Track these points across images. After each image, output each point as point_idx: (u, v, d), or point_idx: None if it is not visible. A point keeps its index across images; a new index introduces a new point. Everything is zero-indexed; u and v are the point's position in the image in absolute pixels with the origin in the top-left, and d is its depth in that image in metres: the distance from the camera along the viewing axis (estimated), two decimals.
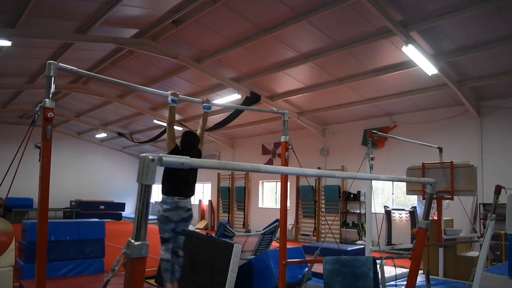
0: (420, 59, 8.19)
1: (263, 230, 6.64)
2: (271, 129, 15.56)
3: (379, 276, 3.87)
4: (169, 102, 4.37)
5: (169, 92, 4.36)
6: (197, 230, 10.19)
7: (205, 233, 5.89)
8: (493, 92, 9.86)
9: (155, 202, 20.59)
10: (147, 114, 15.84)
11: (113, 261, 1.55)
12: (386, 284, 4.33)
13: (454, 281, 6.78)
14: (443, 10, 7.18)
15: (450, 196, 6.87)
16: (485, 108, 10.20)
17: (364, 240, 10.54)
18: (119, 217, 20.74)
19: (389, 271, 6.00)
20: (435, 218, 7.40)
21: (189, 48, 10.21)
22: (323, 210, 13.56)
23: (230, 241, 5.52)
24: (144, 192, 1.47)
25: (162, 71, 11.88)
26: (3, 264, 4.60)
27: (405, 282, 3.38)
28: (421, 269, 5.87)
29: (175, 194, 4.28)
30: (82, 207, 19.45)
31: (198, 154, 4.61)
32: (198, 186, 20.37)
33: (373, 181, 7.18)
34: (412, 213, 10.67)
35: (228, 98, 12.10)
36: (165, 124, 16.78)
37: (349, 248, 8.36)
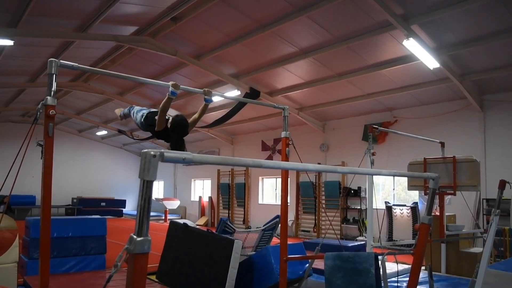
0: (421, 53, 8.12)
1: (263, 226, 6.64)
2: (270, 125, 15.54)
3: (381, 272, 3.87)
4: (169, 93, 4.22)
5: (170, 83, 4.26)
6: (197, 227, 10.19)
7: (205, 230, 5.89)
8: (496, 86, 9.76)
9: (156, 199, 20.61)
10: None
11: (114, 257, 1.55)
12: (388, 280, 4.33)
13: (457, 277, 6.76)
14: (444, 2, 7.10)
15: (452, 192, 6.83)
16: (488, 102, 10.09)
17: (365, 236, 10.55)
18: (120, 214, 20.81)
19: (390, 267, 6.00)
20: (437, 213, 7.38)
21: (188, 45, 10.18)
22: (324, 206, 13.56)
23: (230, 237, 5.52)
24: (146, 188, 1.46)
25: (162, 68, 11.87)
26: (8, 260, 4.64)
27: (406, 278, 3.37)
28: (423, 265, 5.87)
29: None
30: (84, 204, 19.56)
31: (182, 137, 4.66)
32: (198, 183, 20.42)
33: (374, 176, 7.16)
34: (414, 208, 10.65)
35: (228, 94, 12.03)
36: None
37: (350, 244, 8.35)
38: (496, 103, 9.97)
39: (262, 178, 16.74)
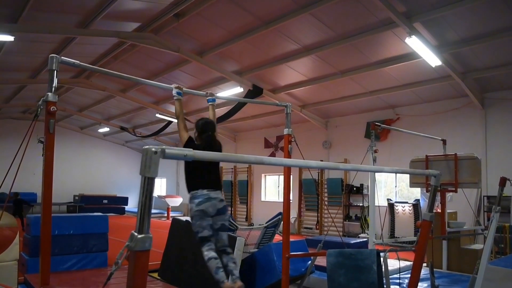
0: (423, 51, 8.12)
1: (266, 223, 6.64)
2: (273, 123, 15.53)
3: (383, 269, 3.86)
4: (174, 95, 4.27)
5: (173, 86, 4.30)
6: None
7: None
8: (498, 84, 9.77)
9: (158, 196, 20.59)
10: (150, 108, 15.84)
11: (116, 255, 1.54)
12: (390, 276, 4.32)
13: (458, 273, 6.76)
14: (447, 0, 7.10)
15: (454, 189, 6.83)
16: (489, 100, 10.12)
17: (367, 233, 10.54)
18: (122, 211, 20.84)
19: (393, 264, 5.99)
20: (439, 210, 7.38)
21: (191, 42, 10.17)
22: (326, 203, 13.56)
23: (233, 234, 5.52)
24: (147, 185, 1.46)
25: (164, 64, 11.85)
26: (8, 258, 4.61)
27: (408, 275, 3.37)
28: (424, 262, 5.87)
29: (203, 187, 3.95)
30: (86, 202, 19.58)
31: (217, 143, 4.31)
32: None
33: (376, 174, 7.15)
34: (416, 205, 10.64)
35: (231, 91, 12.07)
36: (167, 118, 16.66)
37: (352, 241, 8.35)
38: (497, 101, 9.98)
39: (265, 176, 16.74)
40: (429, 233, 3.14)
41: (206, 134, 4.19)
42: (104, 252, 6.12)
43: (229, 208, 17.43)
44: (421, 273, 3.85)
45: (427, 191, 7.93)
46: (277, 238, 7.05)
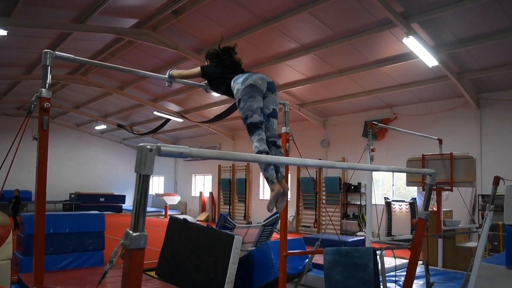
0: (420, 51, 8.15)
1: (264, 221, 6.65)
2: None
3: (379, 267, 3.87)
4: (168, 74, 3.94)
5: (168, 73, 3.99)
6: (197, 222, 10.20)
7: (205, 225, 5.88)
8: (493, 84, 9.86)
9: (156, 194, 20.54)
10: (147, 106, 15.77)
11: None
12: (386, 274, 4.33)
13: (453, 271, 6.83)
14: (444, 1, 7.14)
15: (449, 188, 6.92)
16: (484, 100, 10.22)
17: (364, 231, 10.56)
18: (119, 210, 20.75)
19: (389, 261, 6.02)
20: (435, 209, 7.43)
21: (190, 39, 10.13)
22: (324, 201, 13.58)
23: (231, 232, 5.52)
24: (142, 183, 1.44)
25: (162, 62, 11.80)
26: (1, 257, 4.53)
27: (404, 273, 3.37)
28: (420, 260, 5.89)
29: (238, 72, 3.45)
30: (82, 200, 19.43)
31: (237, 66, 3.74)
32: (199, 179, 20.39)
33: (373, 172, 7.19)
34: (412, 204, 10.69)
35: None
36: (165, 116, 16.41)
37: (350, 239, 8.38)
38: (492, 101, 10.07)
39: None
40: (424, 231, 3.15)
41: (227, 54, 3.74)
42: (100, 251, 6.08)
43: (228, 207, 17.45)
44: (417, 271, 3.86)
45: (423, 190, 7.97)
46: (275, 236, 7.06)
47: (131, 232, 1.44)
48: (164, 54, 11.00)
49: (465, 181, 6.84)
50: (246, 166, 16.90)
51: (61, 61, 3.35)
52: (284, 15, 8.31)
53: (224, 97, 13.07)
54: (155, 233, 9.38)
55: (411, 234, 9.73)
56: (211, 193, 18.59)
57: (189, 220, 6.03)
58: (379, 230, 8.92)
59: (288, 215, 5.87)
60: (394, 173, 11.82)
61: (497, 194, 4.79)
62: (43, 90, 3.10)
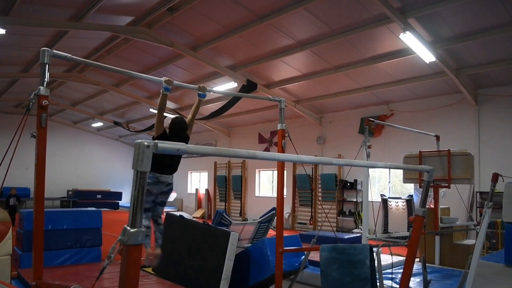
0: (417, 47, 8.13)
1: (259, 218, 6.66)
2: (267, 118, 15.53)
3: (376, 264, 3.88)
4: (162, 89, 4.17)
5: (163, 79, 4.20)
6: (194, 219, 10.21)
7: (201, 222, 5.89)
8: (491, 80, 9.82)
9: None
10: (143, 103, 15.77)
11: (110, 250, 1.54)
12: (383, 271, 4.35)
13: (450, 269, 6.82)
14: None
15: (447, 184, 6.87)
16: (482, 96, 10.17)
17: (360, 229, 10.60)
18: (116, 206, 20.82)
19: (386, 259, 6.04)
20: (432, 206, 7.42)
21: (185, 36, 10.11)
22: (320, 198, 13.60)
23: (227, 229, 5.52)
24: (140, 179, 1.45)
25: (158, 59, 11.79)
26: (1, 253, 4.58)
27: (401, 270, 3.39)
28: (417, 257, 5.91)
29: (157, 171, 4.25)
30: (79, 197, 19.52)
31: (185, 140, 4.46)
32: (195, 175, 20.43)
33: (369, 169, 7.19)
34: (409, 201, 10.70)
35: (225, 86, 12.04)
36: None
37: (346, 237, 8.40)
38: (490, 97, 10.04)
39: (259, 171, 16.75)
40: (421, 228, 3.15)
41: (175, 129, 4.40)
42: (97, 247, 6.12)
43: (224, 204, 17.47)
44: (414, 268, 3.88)
45: (420, 187, 7.99)
46: (271, 233, 7.08)
47: (128, 228, 1.45)
48: (160, 51, 10.98)
49: (463, 178, 6.75)
50: (242, 163, 16.91)
51: (58, 59, 3.35)
52: (280, 11, 8.30)
53: (220, 94, 13.18)
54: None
55: (407, 231, 9.76)
56: (207, 190, 18.60)
57: (185, 216, 6.04)
58: (375, 227, 8.95)
59: (284, 212, 5.89)
60: (391, 170, 11.85)
61: (495, 191, 4.79)
62: (41, 87, 3.11)
